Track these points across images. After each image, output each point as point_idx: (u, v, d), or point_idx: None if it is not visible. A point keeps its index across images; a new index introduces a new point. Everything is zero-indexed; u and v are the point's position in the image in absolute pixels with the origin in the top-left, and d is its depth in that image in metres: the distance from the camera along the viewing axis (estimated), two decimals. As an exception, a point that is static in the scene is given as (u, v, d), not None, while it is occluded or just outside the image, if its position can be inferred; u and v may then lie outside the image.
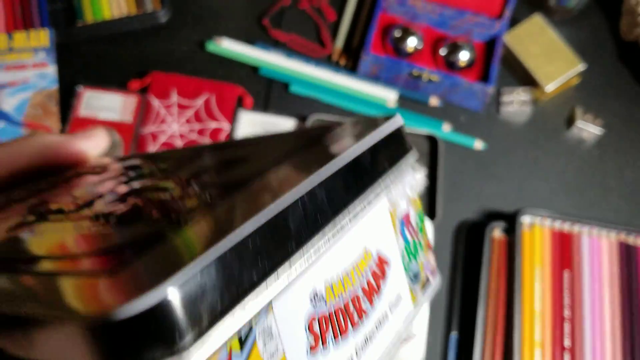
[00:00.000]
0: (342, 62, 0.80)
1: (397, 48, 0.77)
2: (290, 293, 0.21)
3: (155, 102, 0.77)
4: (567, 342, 0.64)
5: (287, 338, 0.21)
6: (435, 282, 0.29)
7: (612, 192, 0.76)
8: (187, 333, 0.17)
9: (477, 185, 0.75)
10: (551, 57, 0.79)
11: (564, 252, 0.67)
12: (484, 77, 0.77)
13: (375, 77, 0.78)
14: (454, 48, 0.76)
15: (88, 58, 0.80)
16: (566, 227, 0.69)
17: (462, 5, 0.79)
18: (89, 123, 0.75)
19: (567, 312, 0.65)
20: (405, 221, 0.27)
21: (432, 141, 0.74)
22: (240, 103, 0.78)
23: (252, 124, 0.76)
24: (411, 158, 0.27)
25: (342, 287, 0.23)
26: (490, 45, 0.79)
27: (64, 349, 0.17)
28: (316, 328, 0.22)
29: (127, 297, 0.16)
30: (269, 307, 0.20)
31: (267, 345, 0.20)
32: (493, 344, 0.65)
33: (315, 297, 0.22)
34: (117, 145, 0.75)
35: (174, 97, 0.77)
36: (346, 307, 0.23)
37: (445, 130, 0.76)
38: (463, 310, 0.68)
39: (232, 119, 0.76)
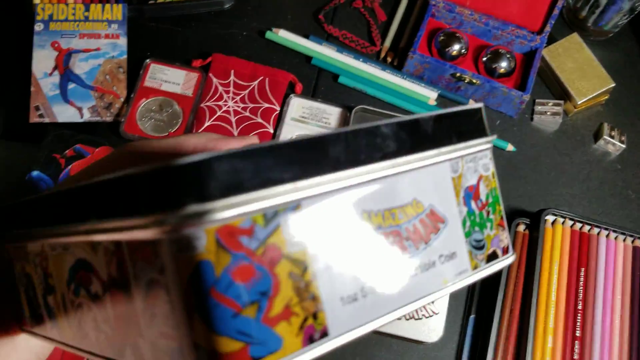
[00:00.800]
0: (389, 59, 0.86)
1: (442, 51, 0.83)
2: (320, 202, 0.24)
3: (215, 80, 0.83)
4: (578, 332, 0.69)
5: (313, 236, 0.24)
6: (507, 259, 0.31)
7: (631, 203, 0.81)
8: (218, 192, 0.21)
9: (505, 185, 0.80)
10: (585, 74, 0.84)
11: (582, 250, 0.73)
12: (521, 86, 0.83)
13: (419, 76, 0.84)
14: (496, 56, 0.82)
15: (156, 34, 0.87)
16: (586, 228, 0.74)
17: (507, 18, 0.84)
18: (153, 92, 0.81)
19: (580, 305, 0.70)
20: (473, 193, 0.30)
21: (468, 139, 0.80)
22: (291, 88, 0.84)
23: (300, 108, 0.82)
24: (488, 143, 0.30)
25: (382, 219, 0.26)
26: (529, 57, 0.85)
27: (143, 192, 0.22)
28: None
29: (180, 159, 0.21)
30: (297, 205, 0.23)
31: (290, 232, 0.23)
32: (508, 328, 0.70)
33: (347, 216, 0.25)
34: (177, 116, 0.81)
35: (232, 77, 0.84)
36: (385, 237, 0.26)
37: (480, 130, 0.81)
38: (483, 295, 0.74)
39: (283, 102, 0.83)
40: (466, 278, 0.29)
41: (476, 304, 0.74)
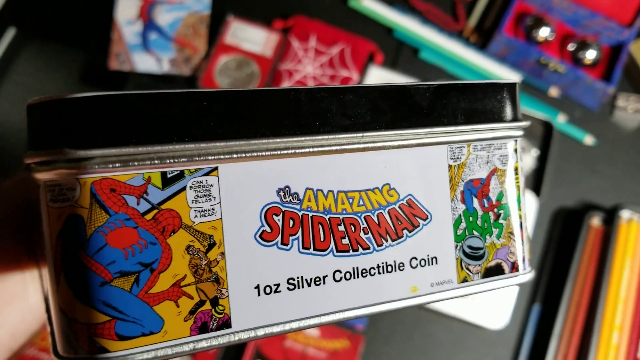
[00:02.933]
0: (472, 39, 0.85)
1: (529, 35, 0.81)
2: (246, 169, 0.20)
3: (295, 43, 0.83)
4: (645, 332, 0.68)
5: (230, 209, 0.20)
6: (516, 277, 0.26)
7: None
8: (102, 138, 0.18)
9: (580, 177, 0.79)
10: (671, 72, 0.82)
11: (656, 250, 0.72)
12: (605, 79, 0.81)
13: (502, 59, 0.83)
14: (583, 46, 0.81)
15: (240, -8, 0.86)
16: (661, 229, 0.73)
17: (596, 8, 0.83)
18: (233, 50, 0.81)
19: (649, 305, 0.69)
20: (478, 189, 0.25)
21: (547, 127, 0.79)
22: (371, 58, 0.83)
23: (379, 79, 0.82)
24: (513, 129, 0.25)
25: (333, 202, 0.22)
26: (615, 50, 0.83)
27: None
28: (278, 221, 0.21)
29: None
30: (213, 169, 0.20)
31: (199, 200, 0.20)
32: (574, 320, 0.70)
33: (284, 192, 0.21)
34: (255, 76, 0.81)
35: (313, 42, 0.83)
36: (332, 224, 0.22)
37: (560, 120, 0.80)
38: (550, 286, 0.73)
39: (362, 71, 0.82)
40: (447, 291, 0.24)
41: (542, 293, 0.73)
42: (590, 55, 0.80)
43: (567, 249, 0.74)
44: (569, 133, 0.80)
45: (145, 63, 0.81)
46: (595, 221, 0.74)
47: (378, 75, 0.81)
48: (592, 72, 0.82)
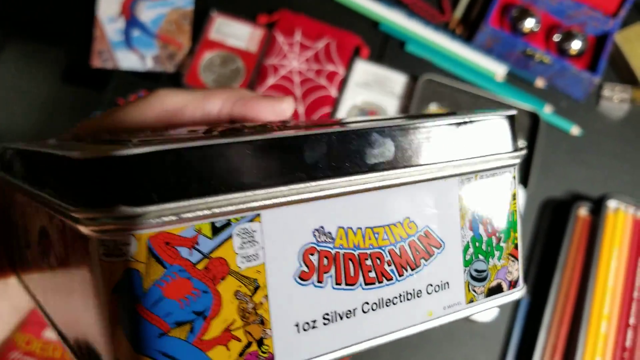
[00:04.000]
0: (458, 31, 0.84)
1: (514, 26, 0.81)
2: (285, 213, 0.21)
3: (280, 38, 0.82)
4: (632, 320, 0.69)
5: (272, 252, 0.21)
6: (513, 293, 0.27)
7: (693, 196, 0.80)
8: (155, 194, 0.19)
9: (567, 168, 0.79)
10: (656, 62, 0.83)
11: (643, 240, 0.72)
12: (591, 69, 0.82)
13: (488, 50, 0.83)
14: (568, 36, 0.81)
15: (223, -14, 0.85)
16: (648, 218, 0.73)
17: (581, -2, 0.83)
18: (217, 46, 0.81)
19: (636, 293, 0.70)
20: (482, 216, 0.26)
21: (533, 118, 0.79)
22: (357, 52, 0.83)
23: (365, 73, 0.81)
24: (514, 158, 0.26)
25: (362, 239, 0.23)
26: (600, 40, 0.83)
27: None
28: (314, 260, 0.22)
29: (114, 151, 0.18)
30: (256, 215, 0.21)
31: (244, 246, 0.20)
32: (563, 311, 0.70)
33: (319, 232, 0.22)
34: (240, 72, 0.80)
35: (298, 37, 0.82)
36: (361, 259, 0.23)
37: (546, 111, 0.80)
38: (538, 277, 0.73)
39: (348, 65, 0.82)
40: (457, 312, 0.26)
41: (530, 285, 0.73)
42: (576, 45, 0.80)
43: (554, 239, 0.74)
44: (555, 124, 0.80)
45: (128, 60, 0.80)
46: (583, 211, 0.74)
47: (363, 70, 0.81)
48: (578, 62, 0.82)
